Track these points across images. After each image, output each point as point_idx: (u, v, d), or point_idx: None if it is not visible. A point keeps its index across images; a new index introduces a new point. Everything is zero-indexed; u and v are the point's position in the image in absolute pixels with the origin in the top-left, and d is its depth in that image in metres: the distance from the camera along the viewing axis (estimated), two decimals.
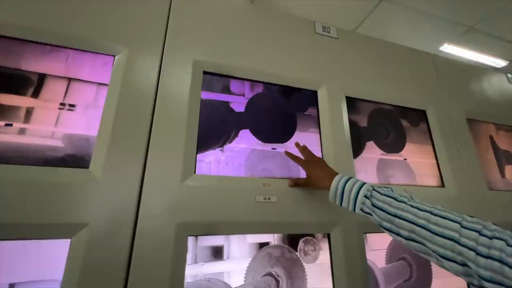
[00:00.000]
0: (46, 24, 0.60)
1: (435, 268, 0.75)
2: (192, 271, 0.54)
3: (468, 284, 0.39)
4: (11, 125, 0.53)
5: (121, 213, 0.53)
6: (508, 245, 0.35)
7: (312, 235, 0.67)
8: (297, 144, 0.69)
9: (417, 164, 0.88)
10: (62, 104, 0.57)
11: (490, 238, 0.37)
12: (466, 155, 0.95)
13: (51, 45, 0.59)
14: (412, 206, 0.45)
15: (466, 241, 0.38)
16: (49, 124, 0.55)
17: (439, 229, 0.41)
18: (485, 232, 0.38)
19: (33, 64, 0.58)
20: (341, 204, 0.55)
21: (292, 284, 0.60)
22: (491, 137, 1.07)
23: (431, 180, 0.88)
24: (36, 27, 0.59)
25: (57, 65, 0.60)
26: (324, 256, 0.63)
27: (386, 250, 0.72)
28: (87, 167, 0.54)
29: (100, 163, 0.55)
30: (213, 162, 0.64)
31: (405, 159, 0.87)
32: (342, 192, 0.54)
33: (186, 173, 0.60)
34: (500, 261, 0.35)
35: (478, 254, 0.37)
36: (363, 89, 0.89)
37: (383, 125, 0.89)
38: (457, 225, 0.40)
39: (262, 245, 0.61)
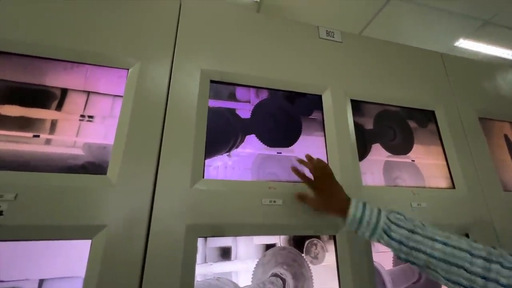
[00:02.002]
0: (66, 42, 0.66)
1: None
2: (202, 270, 0.57)
3: None
4: (38, 136, 0.58)
5: (136, 215, 0.57)
6: (502, 267, 0.42)
7: (318, 237, 0.68)
8: (309, 158, 0.64)
9: (425, 166, 0.87)
10: (82, 115, 0.63)
11: (489, 262, 0.44)
12: (479, 155, 0.93)
13: (71, 61, 0.65)
14: (427, 237, 0.50)
15: (475, 269, 0.44)
16: (71, 135, 0.60)
17: (453, 259, 0.46)
18: (489, 257, 0.44)
19: (55, 79, 0.63)
20: (356, 232, 0.56)
21: (298, 285, 0.62)
22: (505, 136, 1.04)
23: (441, 181, 0.87)
24: (57, 46, 0.65)
25: (77, 80, 0.65)
26: (330, 257, 0.64)
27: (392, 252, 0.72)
28: (105, 173, 0.59)
29: (116, 169, 0.59)
30: (221, 167, 0.67)
31: (413, 160, 0.86)
32: (359, 225, 0.55)
33: (195, 178, 0.63)
34: (496, 281, 0.42)
35: (483, 278, 0.43)
36: (368, 91, 0.90)
37: (390, 127, 0.89)
38: (467, 255, 0.46)
39: (268, 247, 0.64)
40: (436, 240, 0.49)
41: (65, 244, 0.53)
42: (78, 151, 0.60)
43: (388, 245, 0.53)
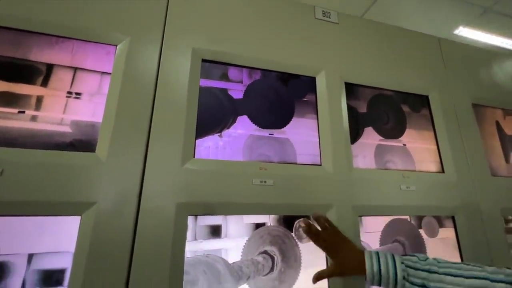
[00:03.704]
0: (51, 16, 0.63)
1: (429, 250, 0.77)
2: (192, 247, 0.58)
3: None
4: (23, 112, 0.57)
5: (125, 193, 0.57)
6: None
7: (307, 217, 0.69)
8: (316, 218, 0.62)
9: (417, 150, 0.88)
10: (69, 92, 0.61)
11: (511, 284, 0.45)
12: (469, 141, 0.93)
13: (56, 36, 0.63)
14: (444, 274, 0.50)
15: None
16: (58, 111, 0.59)
17: None
18: (507, 279, 0.45)
19: (40, 55, 0.61)
20: (379, 286, 0.55)
21: (287, 262, 0.64)
22: (497, 123, 1.05)
23: (431, 165, 0.88)
24: (42, 19, 0.62)
25: (63, 55, 0.63)
26: None
27: (380, 233, 0.74)
28: (94, 151, 0.58)
29: (105, 147, 0.59)
30: (212, 147, 0.67)
31: (405, 144, 0.87)
32: (379, 280, 0.54)
33: (186, 157, 0.63)
34: None
35: None
36: (363, 74, 0.89)
37: (383, 110, 0.89)
38: (487, 282, 0.46)
39: (258, 226, 0.65)
40: (453, 275, 0.49)
41: (54, 220, 0.53)
42: (66, 129, 0.59)
43: None
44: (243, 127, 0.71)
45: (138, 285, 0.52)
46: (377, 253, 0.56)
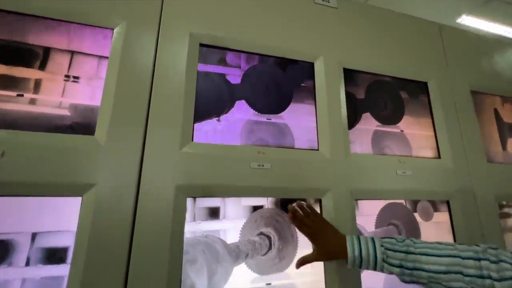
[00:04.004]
0: None
1: (423, 233, 0.79)
2: (191, 228, 0.60)
3: None
4: (22, 95, 0.57)
5: (125, 175, 0.58)
6: (490, 262, 0.46)
7: (304, 200, 0.70)
8: (300, 206, 0.63)
9: (414, 136, 0.88)
10: (67, 76, 0.61)
11: (479, 260, 0.47)
12: (467, 127, 0.94)
13: (53, 19, 0.62)
14: (420, 254, 0.52)
15: (469, 271, 0.47)
16: (56, 95, 0.59)
17: (449, 268, 0.49)
18: (475, 256, 0.48)
19: (37, 38, 0.61)
20: (360, 268, 0.57)
21: (284, 240, 0.65)
22: (495, 110, 1.05)
23: (428, 152, 0.89)
24: (39, 2, 0.62)
25: (60, 39, 0.63)
26: None
27: (376, 216, 0.75)
28: (93, 134, 0.59)
29: (104, 131, 0.59)
30: (210, 131, 0.68)
31: (402, 130, 0.88)
32: (360, 263, 0.56)
33: (184, 141, 0.64)
34: (490, 277, 0.45)
35: (479, 277, 0.46)
36: (362, 60, 0.88)
37: (381, 97, 0.89)
38: (458, 259, 0.49)
39: (256, 208, 0.66)
40: (428, 255, 0.52)
41: (56, 200, 0.54)
42: (64, 112, 0.59)
43: (390, 272, 0.54)
44: (241, 112, 0.72)
45: (139, 263, 0.54)
46: (358, 238, 0.58)
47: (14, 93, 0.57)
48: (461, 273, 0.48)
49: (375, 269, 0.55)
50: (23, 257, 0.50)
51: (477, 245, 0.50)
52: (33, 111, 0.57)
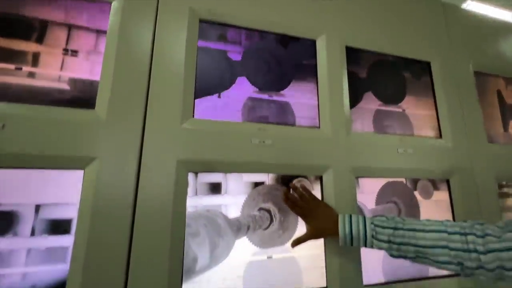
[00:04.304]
0: None
1: (423, 211, 0.80)
2: (193, 202, 0.60)
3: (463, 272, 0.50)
4: (20, 68, 0.57)
5: (126, 149, 0.58)
6: (476, 236, 0.47)
7: (305, 177, 0.71)
8: (294, 187, 0.64)
9: (415, 116, 0.88)
10: (65, 49, 0.60)
11: (465, 235, 0.48)
12: (468, 108, 0.93)
13: None
14: (408, 229, 0.54)
15: (456, 245, 0.49)
16: (55, 69, 0.59)
17: (435, 243, 0.50)
18: (462, 231, 0.49)
19: (34, 10, 0.60)
20: (351, 245, 0.58)
21: (284, 215, 0.66)
22: (498, 92, 1.04)
23: (429, 131, 0.89)
24: None
25: (57, 11, 0.61)
26: (316, 195, 0.67)
27: (376, 194, 0.76)
28: (93, 108, 0.59)
29: (105, 105, 0.59)
30: (211, 108, 0.67)
31: (404, 110, 0.87)
32: (351, 240, 0.58)
33: (185, 117, 0.64)
34: (476, 251, 0.46)
35: (465, 251, 0.47)
36: (365, 39, 0.87)
37: (384, 76, 0.88)
38: (445, 235, 0.50)
39: (257, 184, 0.66)
40: (415, 230, 0.53)
41: (59, 173, 0.54)
42: (64, 86, 0.58)
43: (379, 247, 0.56)
44: (242, 89, 0.71)
45: (141, 236, 0.55)
46: (350, 216, 0.59)
47: (12, 66, 0.56)
48: (447, 247, 0.49)
49: (365, 245, 0.57)
50: (28, 227, 0.51)
51: (465, 221, 0.51)
52: (33, 85, 0.56)
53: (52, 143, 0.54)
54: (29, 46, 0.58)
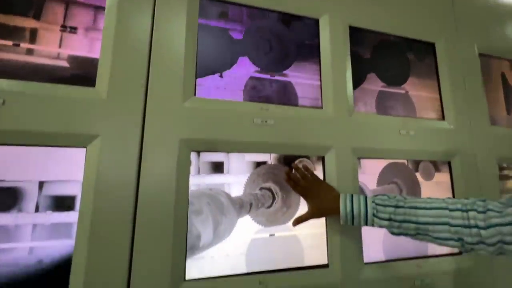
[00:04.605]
0: None
1: (424, 192, 0.80)
2: (196, 181, 0.60)
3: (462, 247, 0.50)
4: (18, 45, 0.55)
5: (127, 127, 0.58)
6: (477, 212, 0.47)
7: (307, 157, 0.71)
8: (296, 167, 0.64)
9: (419, 98, 0.87)
10: (63, 26, 0.59)
11: (466, 211, 0.48)
12: (472, 90, 0.92)
13: None
14: (409, 207, 0.54)
15: (456, 221, 0.49)
16: (53, 46, 0.57)
17: (436, 220, 0.51)
18: (463, 207, 0.49)
19: None
20: (352, 224, 0.59)
21: (286, 189, 0.67)
22: (503, 74, 1.02)
23: (432, 113, 0.88)
24: None
25: None
26: (318, 175, 0.68)
27: (378, 175, 0.76)
28: (93, 86, 0.58)
29: (105, 84, 0.58)
30: (212, 87, 0.66)
31: (407, 92, 0.86)
32: (352, 219, 0.58)
33: (186, 95, 0.63)
34: (476, 226, 0.47)
35: (466, 227, 0.48)
36: (368, 18, 0.85)
37: (387, 57, 0.86)
38: (446, 211, 0.50)
39: (259, 164, 0.67)
40: (417, 208, 0.53)
41: (62, 151, 0.54)
42: (63, 63, 0.57)
43: (380, 225, 0.56)
44: (244, 68, 0.70)
45: (145, 213, 0.55)
46: (351, 196, 0.60)
47: (10, 42, 0.55)
48: (448, 224, 0.49)
49: (366, 224, 0.58)
50: (32, 204, 0.51)
51: (466, 198, 0.52)
52: (31, 62, 0.56)
53: (53, 121, 0.53)
54: (26, 22, 0.57)
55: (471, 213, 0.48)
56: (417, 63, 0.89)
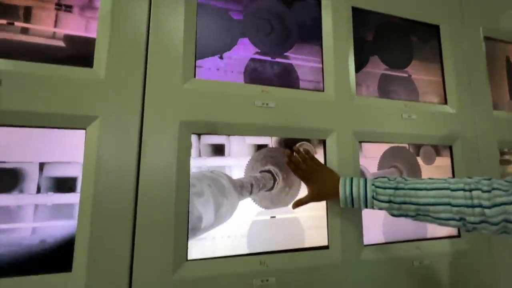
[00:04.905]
0: None
1: (424, 175, 0.80)
2: (197, 163, 0.60)
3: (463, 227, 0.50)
4: (12, 23, 0.54)
5: (127, 109, 0.57)
6: (482, 191, 0.46)
7: (308, 140, 0.70)
8: (297, 150, 0.63)
9: (422, 82, 0.86)
10: (58, 4, 0.57)
11: (470, 191, 0.47)
12: (475, 74, 0.91)
13: None
14: (410, 189, 0.53)
15: (458, 201, 0.48)
16: (49, 24, 0.56)
17: (437, 200, 0.50)
18: (466, 187, 0.48)
19: None
20: (353, 207, 0.60)
21: (287, 179, 0.67)
22: (507, 58, 1.01)
23: (434, 97, 0.87)
24: None
25: None
26: (319, 159, 0.67)
27: (379, 158, 0.76)
28: (91, 67, 0.57)
29: (103, 64, 0.57)
30: (212, 69, 0.65)
31: (410, 75, 0.85)
32: (352, 201, 0.59)
33: (186, 77, 0.62)
34: (480, 206, 0.46)
35: (468, 207, 0.47)
36: None
37: (390, 40, 0.84)
38: (447, 192, 0.49)
39: (260, 147, 0.66)
40: (417, 189, 0.52)
41: (61, 132, 0.54)
42: (59, 43, 0.56)
43: (380, 208, 0.56)
44: (244, 50, 0.68)
45: (146, 194, 0.55)
46: (351, 179, 0.60)
47: (4, 21, 0.53)
48: (449, 204, 0.48)
49: (366, 206, 0.58)
50: (34, 185, 0.51)
51: (470, 177, 0.50)
52: (27, 41, 0.54)
53: (51, 102, 0.53)
54: (19, 0, 0.55)
55: (475, 193, 0.47)
56: (421, 46, 0.88)
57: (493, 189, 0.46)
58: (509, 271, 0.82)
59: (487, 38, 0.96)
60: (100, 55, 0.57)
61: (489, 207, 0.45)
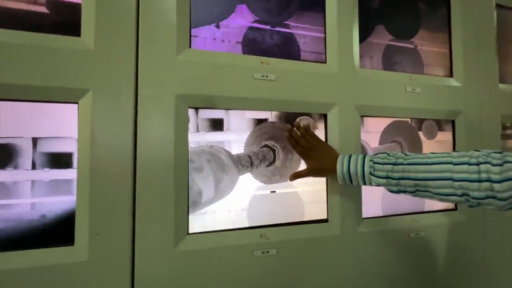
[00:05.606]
0: None
1: (425, 151, 0.80)
2: (195, 138, 0.59)
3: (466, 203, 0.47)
4: None
5: (120, 81, 0.54)
6: (492, 165, 0.42)
7: (309, 115, 0.69)
8: (297, 126, 0.63)
9: (428, 53, 0.82)
10: None
11: (477, 164, 0.44)
12: (484, 46, 0.87)
13: None
14: (409, 164, 0.51)
15: (460, 176, 0.45)
16: None
17: (437, 175, 0.48)
18: (472, 161, 0.44)
19: None
20: (351, 184, 0.59)
21: (287, 155, 0.66)
22: None
23: (440, 70, 0.84)
24: None
25: None
26: (319, 134, 0.66)
27: (380, 133, 0.75)
28: (79, 36, 0.53)
29: (91, 33, 0.53)
30: (209, 38, 0.61)
31: (416, 46, 0.81)
32: (350, 178, 0.58)
33: (181, 47, 0.58)
34: (489, 180, 0.42)
35: (473, 181, 0.44)
36: None
37: (397, 7, 0.79)
38: (449, 166, 0.47)
39: (260, 121, 0.65)
40: (417, 164, 0.50)
41: (53, 106, 0.52)
42: (42, 9, 0.52)
43: (378, 184, 0.54)
44: (242, 18, 0.64)
45: (145, 170, 0.54)
46: (350, 156, 0.59)
47: None
48: (451, 179, 0.46)
49: (364, 183, 0.57)
50: (28, 161, 0.50)
51: (477, 150, 0.46)
52: (7, 6, 0.50)
53: (39, 73, 0.50)
54: None
55: (484, 166, 0.43)
56: (429, 14, 0.83)
57: (506, 162, 0.42)
58: (501, 244, 0.85)
59: (499, 6, 0.91)
60: (87, 23, 0.53)
61: (499, 181, 0.41)
